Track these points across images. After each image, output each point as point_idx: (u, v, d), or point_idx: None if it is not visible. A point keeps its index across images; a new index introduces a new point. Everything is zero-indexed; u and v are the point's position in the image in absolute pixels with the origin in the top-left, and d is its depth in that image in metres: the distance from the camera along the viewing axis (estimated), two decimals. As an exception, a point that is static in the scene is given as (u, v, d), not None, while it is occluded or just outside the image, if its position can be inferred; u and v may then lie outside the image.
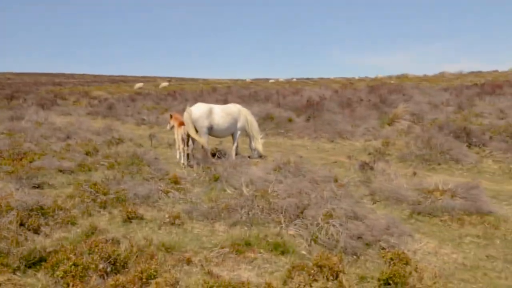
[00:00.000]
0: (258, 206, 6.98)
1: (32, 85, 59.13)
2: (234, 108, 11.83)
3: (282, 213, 6.72)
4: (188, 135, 11.17)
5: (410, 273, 4.82)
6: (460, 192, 7.50)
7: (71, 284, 4.45)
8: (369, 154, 12.35)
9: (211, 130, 11.21)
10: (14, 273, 4.85)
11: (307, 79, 71.31)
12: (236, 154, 11.90)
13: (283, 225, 6.46)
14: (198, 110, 11.01)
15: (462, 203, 7.21)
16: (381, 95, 22.27)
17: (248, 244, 5.81)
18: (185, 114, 10.94)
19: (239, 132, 11.87)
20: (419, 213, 7.21)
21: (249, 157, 11.80)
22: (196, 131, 11.15)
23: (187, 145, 11.30)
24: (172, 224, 6.63)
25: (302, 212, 6.67)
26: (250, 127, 12.06)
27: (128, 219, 6.72)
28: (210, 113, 11.05)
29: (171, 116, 11.99)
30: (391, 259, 5.22)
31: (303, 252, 5.75)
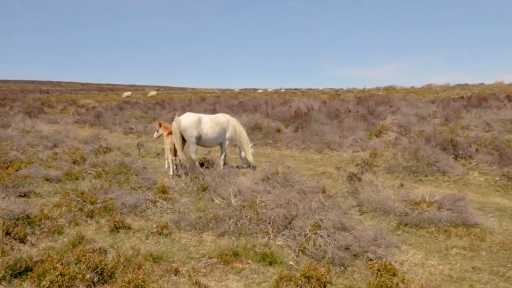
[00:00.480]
0: (246, 216, 6.99)
1: (18, 92, 58.67)
2: (223, 118, 11.82)
3: (270, 223, 6.73)
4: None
5: (397, 284, 4.85)
6: (447, 204, 7.57)
7: (57, 294, 4.41)
8: (357, 165, 12.43)
9: (199, 140, 11.19)
10: (-1, 282, 4.80)
11: (296, 89, 71.60)
12: (224, 164, 11.89)
13: (271, 236, 6.47)
14: (187, 119, 10.98)
15: (449, 215, 7.28)
16: (369, 106, 22.45)
17: (236, 254, 5.81)
18: (174, 123, 10.91)
19: (227, 142, 11.86)
20: (406, 225, 7.26)
21: (237, 167, 11.81)
22: (184, 140, 11.14)
23: (175, 155, 11.28)
24: (160, 234, 6.61)
25: (290, 223, 6.69)
26: (239, 137, 12.05)
27: (116, 228, 6.70)
28: (199, 123, 11.04)
29: (160, 125, 11.98)
30: (378, 270, 5.26)
31: (291, 262, 5.76)
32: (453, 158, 11.68)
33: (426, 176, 10.69)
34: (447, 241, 6.67)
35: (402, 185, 9.58)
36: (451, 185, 10.14)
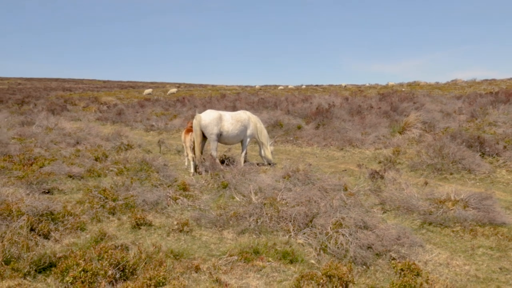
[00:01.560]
0: (266, 214, 6.95)
1: (42, 90, 59.63)
2: (244, 115, 11.80)
3: (291, 221, 6.68)
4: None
5: (421, 284, 4.75)
6: (473, 203, 7.40)
7: (79, 290, 4.44)
8: (380, 162, 12.28)
9: (220, 137, 11.19)
10: (24, 278, 4.86)
11: (317, 86, 71.31)
12: (245, 161, 11.87)
13: (292, 234, 6.42)
14: (207, 116, 10.99)
15: (475, 214, 7.11)
16: (392, 103, 22.13)
17: (256, 252, 5.77)
18: (194, 120, 10.94)
19: (248, 139, 11.84)
20: (430, 223, 7.12)
21: (258, 164, 11.77)
22: (205, 138, 11.15)
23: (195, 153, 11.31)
24: (181, 231, 6.61)
25: (311, 221, 6.63)
26: (259, 135, 12.03)
27: (137, 225, 6.73)
28: (219, 119, 11.04)
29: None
30: (402, 269, 5.17)
31: (312, 261, 5.70)
32: (480, 155, 11.42)
33: (451, 174, 10.48)
34: (473, 241, 6.51)
35: (426, 183, 9.41)
36: (478, 183, 9.91)
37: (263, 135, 12.11)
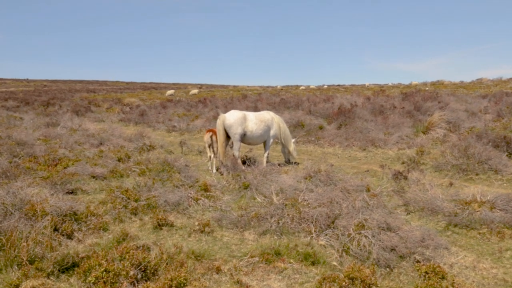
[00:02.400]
0: (288, 215, 6.91)
1: (67, 92, 60.60)
2: (267, 115, 11.82)
3: (312, 222, 6.62)
4: (216, 142, 11.28)
5: (447, 287, 4.65)
6: (500, 204, 7.22)
7: (101, 290, 4.47)
8: (403, 163, 12.11)
9: (244, 137, 11.22)
10: (48, 277, 4.91)
11: (339, 85, 70.92)
12: (267, 161, 11.85)
13: (314, 235, 6.36)
14: (232, 116, 11.04)
15: (502, 216, 6.93)
16: (416, 102, 21.83)
17: (278, 253, 5.74)
18: (218, 120, 11.01)
19: (271, 140, 11.84)
20: (455, 225, 6.97)
21: (279, 164, 11.74)
22: (228, 138, 11.19)
23: (215, 153, 11.37)
24: (202, 231, 6.61)
25: (333, 222, 6.56)
26: (282, 135, 12.06)
27: (159, 226, 6.75)
28: (244, 120, 11.08)
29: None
30: (426, 272, 5.07)
31: (334, 263, 5.63)
32: (507, 155, 11.15)
33: (477, 174, 10.26)
34: (500, 243, 6.34)
35: (451, 184, 9.24)
36: (505, 184, 9.68)
37: (286, 135, 12.14)
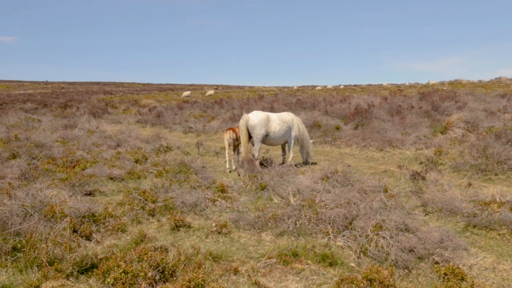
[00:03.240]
0: (305, 216, 6.88)
1: (84, 94, 61.26)
2: (288, 116, 12.03)
3: (330, 223, 6.59)
4: (235, 140, 11.39)
5: (466, 289, 4.60)
6: (520, 205, 7.11)
7: (120, 291, 4.51)
8: (421, 163, 12.00)
9: (266, 138, 11.31)
10: (67, 278, 4.96)
11: (355, 85, 70.53)
12: (283, 162, 11.86)
13: (331, 236, 6.33)
14: (256, 117, 11.15)
15: (522, 216, 6.82)
16: (433, 102, 21.60)
17: (295, 254, 5.72)
18: (241, 121, 11.12)
19: (293, 141, 11.97)
20: (474, 226, 6.88)
21: (296, 165, 11.73)
22: (250, 138, 11.28)
23: (234, 151, 11.47)
24: (219, 233, 6.63)
25: (350, 223, 6.52)
26: (302, 136, 12.16)
27: (176, 227, 6.78)
28: (267, 120, 11.20)
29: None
30: (445, 274, 5.01)
31: (352, 264, 5.60)
32: (526, 155, 10.98)
33: (496, 174, 10.12)
34: (520, 244, 6.26)
35: (470, 184, 9.12)
36: (524, 185, 9.54)
37: (305, 136, 12.24)
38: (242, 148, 11.07)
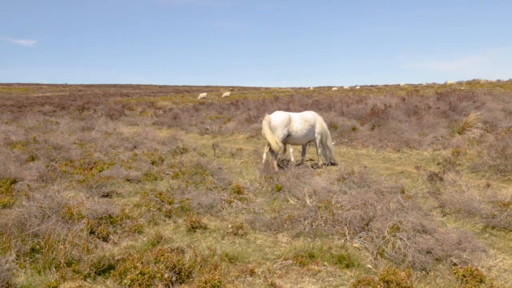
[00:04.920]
0: (321, 217, 6.86)
1: (101, 96, 61.82)
2: (310, 115, 12.06)
3: (346, 225, 6.56)
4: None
5: (486, 292, 4.53)
6: (540, 206, 6.99)
7: (137, 292, 4.54)
8: (438, 164, 11.87)
9: (288, 138, 11.36)
10: (85, 279, 5.02)
11: (371, 86, 70.10)
12: (299, 164, 11.84)
13: (348, 237, 6.30)
14: (277, 118, 11.21)
15: (542, 218, 6.71)
16: (451, 102, 21.35)
17: (311, 256, 5.70)
18: (264, 121, 11.18)
19: (318, 137, 12.00)
20: (493, 227, 6.79)
21: (312, 166, 11.70)
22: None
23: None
24: (235, 234, 6.64)
25: (367, 224, 6.48)
26: (324, 134, 12.17)
27: (192, 228, 6.81)
28: (289, 120, 11.26)
29: None
30: (464, 275, 4.96)
31: (369, 266, 5.56)
32: (546, 156, 10.79)
33: (515, 175, 9.97)
34: (541, 246, 6.15)
35: (488, 185, 9.00)
36: (545, 185, 9.38)
37: (328, 135, 12.25)
38: (271, 146, 11.08)
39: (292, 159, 12.33)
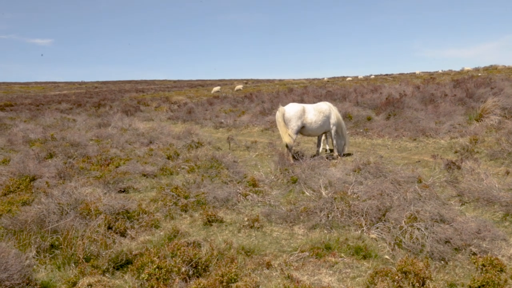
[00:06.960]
0: (337, 208, 6.82)
1: (117, 92, 62.18)
2: (324, 106, 11.98)
3: (362, 215, 6.52)
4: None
5: (506, 280, 4.48)
6: (561, 192, 6.87)
7: (155, 286, 4.57)
8: (456, 152, 11.73)
9: (303, 129, 11.33)
10: (103, 274, 5.06)
11: (386, 75, 69.45)
12: (315, 155, 11.79)
13: (364, 228, 6.26)
14: (291, 109, 11.19)
15: None
16: (468, 89, 21.06)
17: (328, 248, 5.68)
18: (277, 113, 11.16)
19: (334, 128, 11.93)
20: (513, 216, 6.68)
21: (327, 158, 11.65)
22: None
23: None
24: (251, 227, 6.64)
25: (384, 215, 6.43)
26: (339, 125, 12.11)
27: (209, 222, 6.83)
28: (303, 112, 11.22)
29: None
30: (483, 265, 4.89)
31: (386, 256, 5.52)
32: None
33: (535, 162, 9.80)
34: (562, 234, 6.04)
35: (508, 172, 8.85)
36: None
37: (343, 126, 12.19)
38: (284, 138, 11.06)
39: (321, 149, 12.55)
